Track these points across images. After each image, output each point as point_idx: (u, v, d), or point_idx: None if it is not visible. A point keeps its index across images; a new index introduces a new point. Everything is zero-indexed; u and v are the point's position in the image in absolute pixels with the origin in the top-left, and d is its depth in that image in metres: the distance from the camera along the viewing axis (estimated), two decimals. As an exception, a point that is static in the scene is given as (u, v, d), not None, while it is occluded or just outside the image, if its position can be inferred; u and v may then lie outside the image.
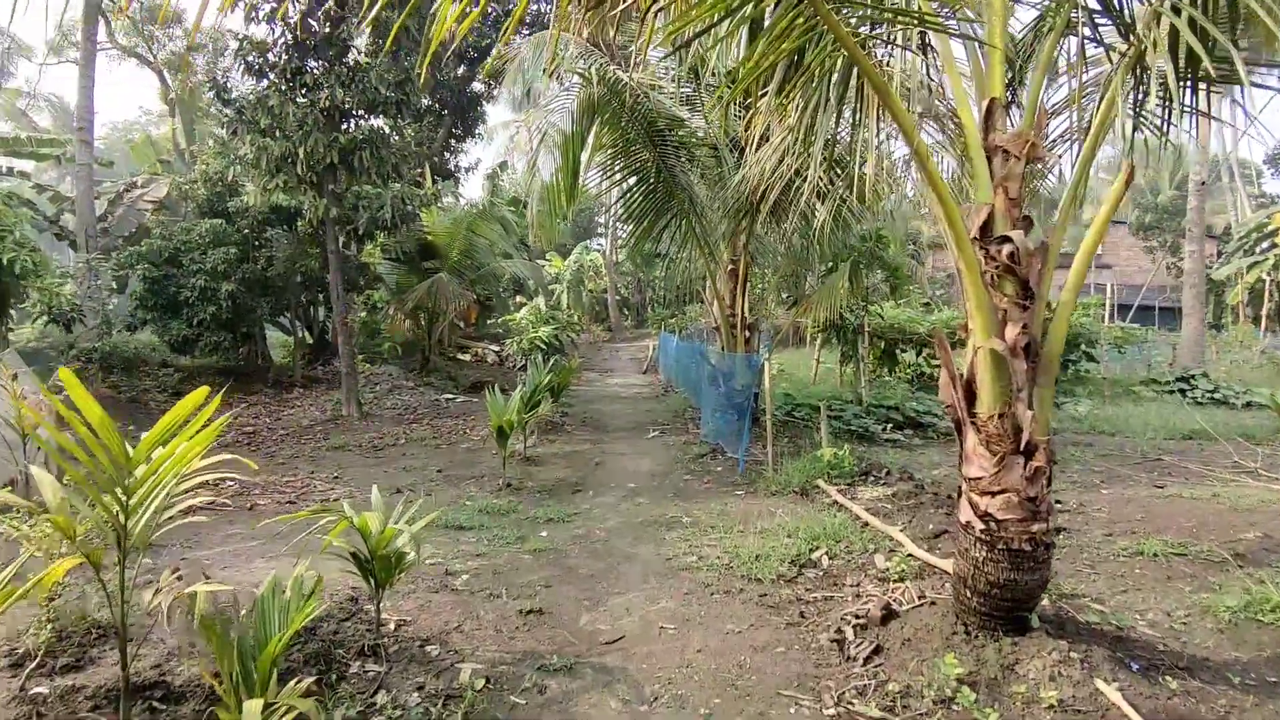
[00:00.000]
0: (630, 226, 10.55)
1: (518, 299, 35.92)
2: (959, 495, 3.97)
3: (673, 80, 9.48)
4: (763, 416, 10.48)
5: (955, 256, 3.81)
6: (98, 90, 16.53)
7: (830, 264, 12.80)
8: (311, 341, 19.22)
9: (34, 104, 36.13)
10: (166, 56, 23.82)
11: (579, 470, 9.33)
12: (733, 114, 10.33)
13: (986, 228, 3.81)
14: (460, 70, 27.09)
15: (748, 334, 10.95)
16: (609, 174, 9.78)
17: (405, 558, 3.90)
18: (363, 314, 16.75)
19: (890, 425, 12.04)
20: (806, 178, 8.01)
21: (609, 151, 9.58)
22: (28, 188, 18.26)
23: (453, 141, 28.94)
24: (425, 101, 28.06)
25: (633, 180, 9.99)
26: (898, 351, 17.52)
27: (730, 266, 10.94)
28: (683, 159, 10.08)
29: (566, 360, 14.78)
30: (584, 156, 9.33)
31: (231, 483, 8.38)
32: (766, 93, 6.79)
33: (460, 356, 24.19)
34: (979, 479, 3.73)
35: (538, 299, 35.10)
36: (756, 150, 8.22)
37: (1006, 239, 3.70)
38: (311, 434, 12.08)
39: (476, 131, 29.61)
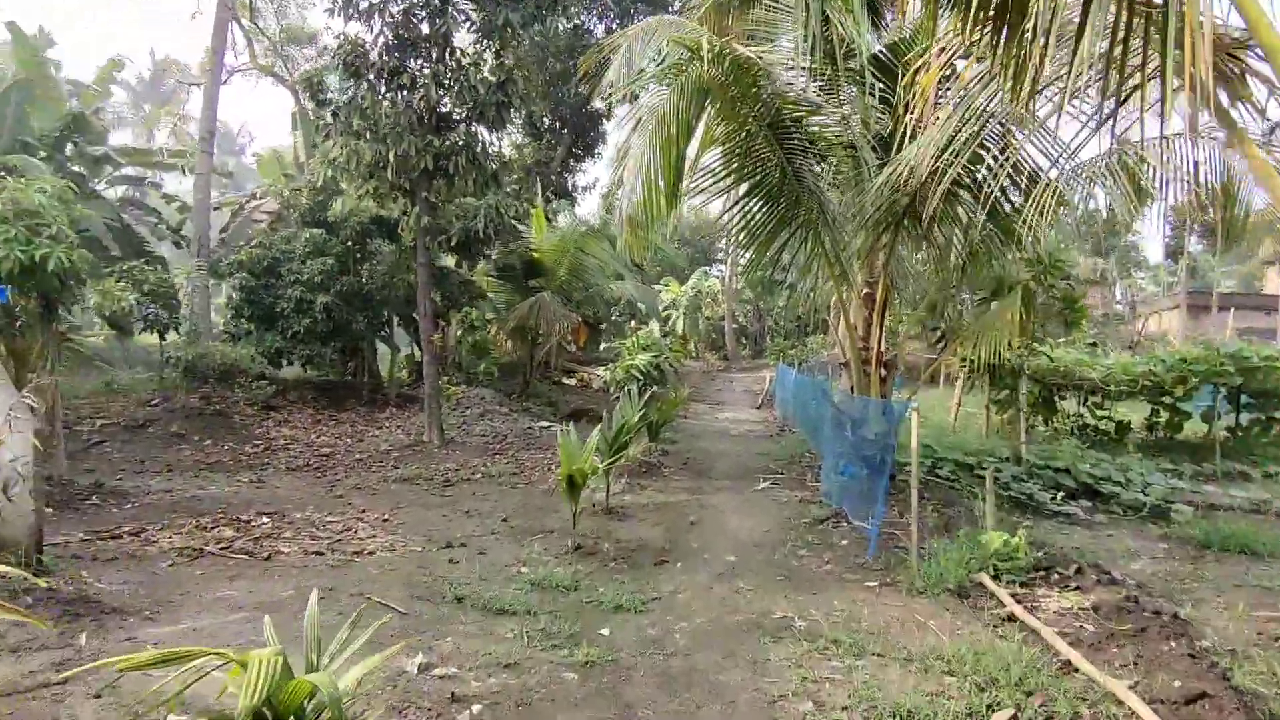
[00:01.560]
0: (745, 241, 8.87)
1: (633, 324, 34.86)
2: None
3: (801, 64, 7.77)
4: (900, 476, 8.51)
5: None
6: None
7: (985, 292, 10.65)
8: (419, 359, 18.53)
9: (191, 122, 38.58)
10: (301, 75, 24.42)
11: (670, 530, 7.68)
12: (875, 106, 8.55)
13: None
14: (581, 88, 26.35)
15: (883, 372, 9.01)
16: (722, 174, 8.16)
17: (328, 729, 2.37)
18: (459, 332, 15.85)
19: (1060, 493, 9.70)
20: (985, 162, 6.22)
21: (722, 148, 7.98)
22: (157, 196, 18.66)
23: (571, 161, 28.24)
24: (546, 120, 27.68)
25: (751, 184, 8.33)
26: (1056, 399, 14.91)
27: (865, 291, 9.06)
28: (811, 159, 8.36)
29: (669, 392, 13.25)
30: (691, 150, 7.78)
31: (265, 521, 7.30)
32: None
33: (565, 380, 23.14)
34: None
35: (652, 324, 33.88)
36: (911, 137, 6.46)
37: None
38: (385, 461, 11.05)
39: (596, 151, 28.81)
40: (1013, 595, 5.52)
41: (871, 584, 6.02)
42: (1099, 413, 14.75)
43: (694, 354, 39.16)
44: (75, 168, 17.09)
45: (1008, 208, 7.82)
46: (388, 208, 12.68)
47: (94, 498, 7.90)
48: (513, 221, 13.35)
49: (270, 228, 18.55)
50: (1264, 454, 12.70)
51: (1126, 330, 38.75)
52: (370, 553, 6.49)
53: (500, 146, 12.37)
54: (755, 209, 8.61)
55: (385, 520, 7.67)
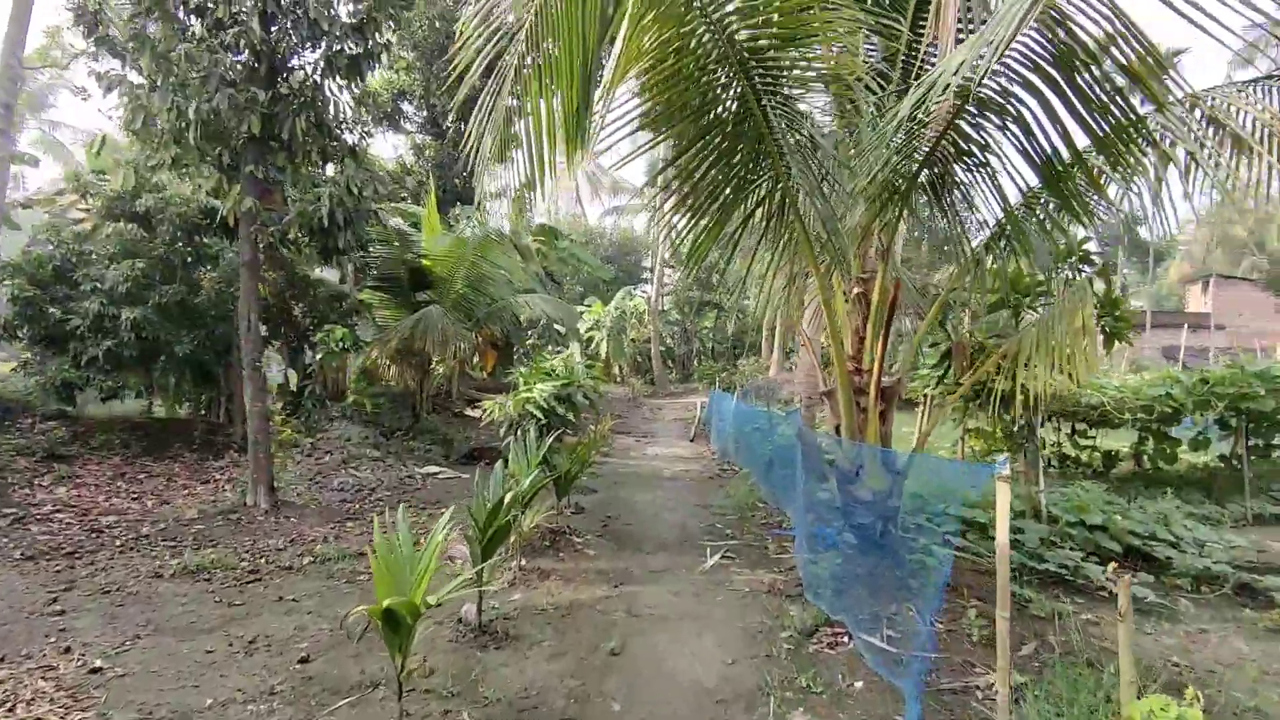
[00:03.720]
0: (687, 217, 6.13)
1: (550, 347, 31.87)
2: None
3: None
4: (915, 562, 5.85)
5: None
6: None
7: (1007, 293, 8.22)
8: (294, 389, 14.90)
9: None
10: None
11: (578, 668, 4.77)
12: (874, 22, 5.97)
13: None
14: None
15: (882, 405, 6.38)
16: (650, 109, 5.40)
17: None
18: (319, 357, 12.61)
19: (1109, 564, 7.27)
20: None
21: (654, 69, 5.24)
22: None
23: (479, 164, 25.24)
24: (450, 116, 24.65)
25: (698, 128, 5.61)
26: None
27: (857, 290, 6.44)
28: (780, 99, 5.69)
29: (586, 427, 10.40)
30: (605, 71, 5.05)
31: None
32: None
33: (469, 412, 19.94)
34: None
35: (573, 346, 31.02)
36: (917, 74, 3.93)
37: None
38: (181, 538, 7.78)
39: (508, 155, 25.81)
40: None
41: (941, 806, 3.27)
42: (1083, 442, 12.65)
43: (618, 379, 36.41)
44: None
45: (1066, 157, 5.31)
46: (193, 183, 9.44)
47: None
48: (374, 207, 10.21)
49: (95, 230, 14.95)
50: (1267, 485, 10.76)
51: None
52: (-9, 776, 3.37)
53: (352, 100, 9.18)
54: (704, 162, 5.87)
55: (95, 670, 4.52)
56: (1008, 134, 5.38)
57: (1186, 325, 25.11)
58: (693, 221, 6.17)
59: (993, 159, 5.54)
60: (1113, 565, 7.12)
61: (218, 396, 14.51)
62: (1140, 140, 5.05)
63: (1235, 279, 38.95)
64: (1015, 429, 9.05)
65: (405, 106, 23.84)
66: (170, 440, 12.35)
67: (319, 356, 12.53)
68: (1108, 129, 4.92)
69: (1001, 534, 3.57)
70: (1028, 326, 5.92)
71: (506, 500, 4.96)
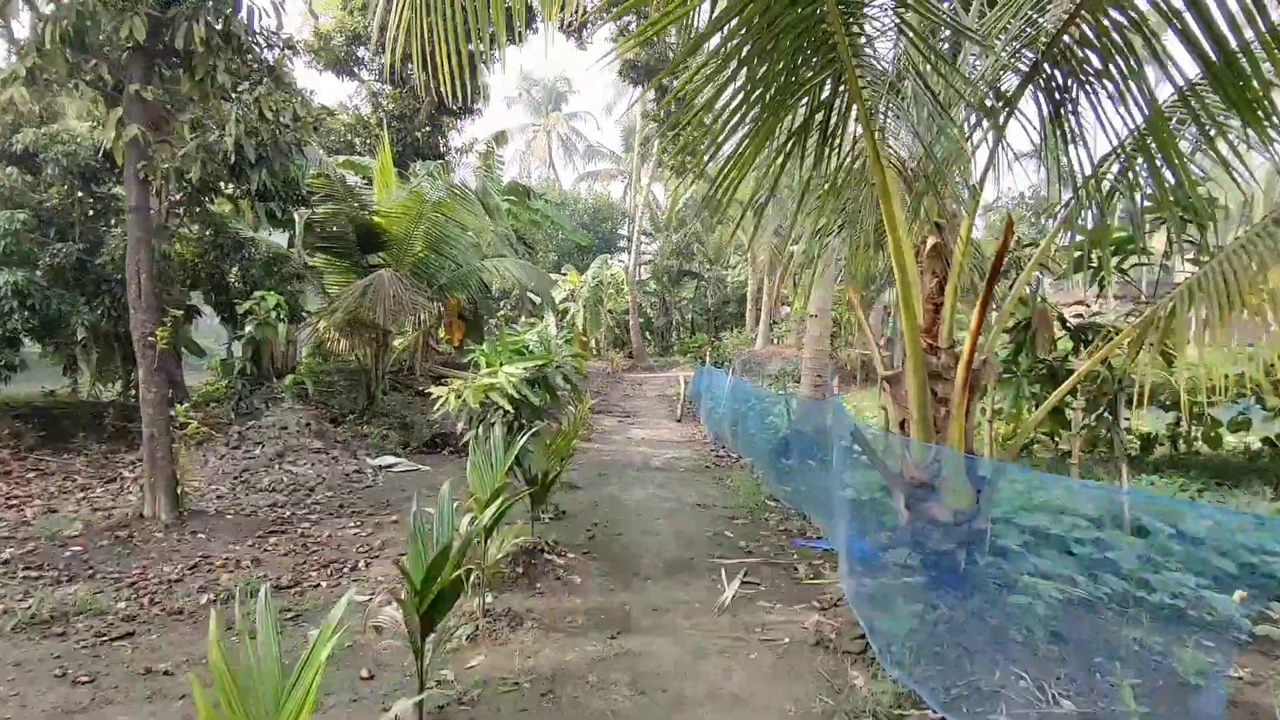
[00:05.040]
0: (705, 140, 4.40)
1: (523, 319, 30.04)
2: None
3: None
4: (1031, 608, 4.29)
5: None
6: None
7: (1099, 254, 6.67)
8: (240, 367, 12.64)
9: None
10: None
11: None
12: None
13: None
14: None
15: (968, 393, 4.79)
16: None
17: None
18: (247, 329, 10.72)
19: (1203, 579, 5.84)
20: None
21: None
22: None
23: (443, 117, 23.01)
24: (411, 65, 22.49)
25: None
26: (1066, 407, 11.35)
27: (934, 240, 4.82)
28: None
29: (565, 411, 8.74)
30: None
31: None
32: None
33: (433, 390, 18.19)
34: None
35: (548, 317, 29.17)
36: None
37: None
38: (49, 566, 6.01)
39: (475, 106, 23.59)
40: None
41: None
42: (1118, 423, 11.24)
43: (595, 351, 34.72)
44: None
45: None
46: (57, 104, 7.53)
47: None
48: (297, 139, 8.26)
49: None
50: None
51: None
52: None
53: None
54: (728, 72, 4.16)
55: None
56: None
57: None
58: (711, 150, 4.45)
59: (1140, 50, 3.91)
60: (1240, 594, 5.72)
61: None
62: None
63: None
64: (1095, 415, 7.55)
65: (361, 51, 21.69)
66: (76, 429, 10.51)
67: (248, 329, 10.66)
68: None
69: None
70: (1179, 287, 4.34)
71: (457, 546, 3.30)
